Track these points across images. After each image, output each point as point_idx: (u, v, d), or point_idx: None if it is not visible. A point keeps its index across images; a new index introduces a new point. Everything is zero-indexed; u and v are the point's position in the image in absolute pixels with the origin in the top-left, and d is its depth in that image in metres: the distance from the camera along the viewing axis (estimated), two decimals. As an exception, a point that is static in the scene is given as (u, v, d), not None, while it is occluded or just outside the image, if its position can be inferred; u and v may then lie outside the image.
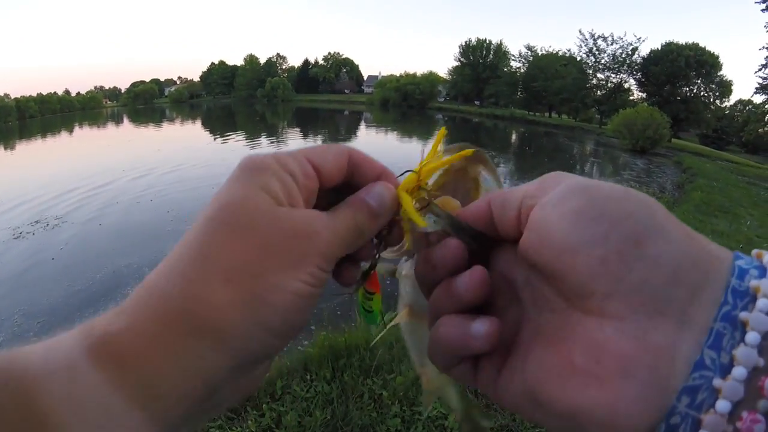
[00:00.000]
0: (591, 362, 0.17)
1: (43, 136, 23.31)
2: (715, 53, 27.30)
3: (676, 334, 0.16)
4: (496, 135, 22.97)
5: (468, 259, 0.22)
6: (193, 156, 11.18)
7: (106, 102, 64.92)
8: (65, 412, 0.16)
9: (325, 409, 1.76)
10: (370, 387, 1.89)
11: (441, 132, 0.27)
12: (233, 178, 0.21)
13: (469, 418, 0.38)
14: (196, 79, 67.98)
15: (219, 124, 25.36)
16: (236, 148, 13.82)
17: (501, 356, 0.21)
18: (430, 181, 0.28)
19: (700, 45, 27.71)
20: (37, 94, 47.56)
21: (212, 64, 61.49)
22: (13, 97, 43.45)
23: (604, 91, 30.68)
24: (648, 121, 16.25)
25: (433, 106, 41.38)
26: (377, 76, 58.18)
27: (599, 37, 30.21)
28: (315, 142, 15.05)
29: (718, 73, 27.56)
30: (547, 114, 35.85)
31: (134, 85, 65.74)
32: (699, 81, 27.77)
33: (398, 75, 43.53)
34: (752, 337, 0.15)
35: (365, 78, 65.70)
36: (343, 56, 62.54)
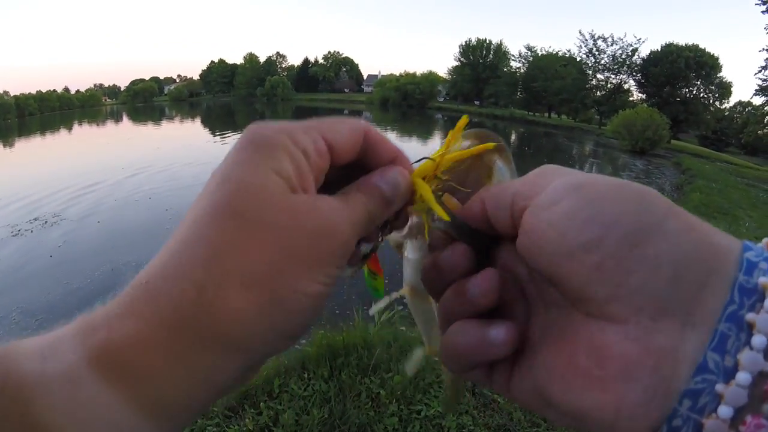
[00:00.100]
0: (594, 365, 0.17)
1: (43, 133, 23.25)
2: (715, 55, 27.48)
3: (680, 336, 0.16)
4: (496, 135, 22.92)
5: (474, 259, 0.22)
6: (191, 154, 11.17)
7: (105, 100, 64.79)
8: (68, 426, 0.15)
9: (323, 407, 1.76)
10: (368, 386, 1.89)
11: (463, 120, 0.25)
12: (239, 155, 0.19)
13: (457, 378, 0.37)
14: (196, 77, 67.95)
15: (218, 123, 25.27)
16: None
17: (513, 356, 0.21)
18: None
19: (700, 46, 27.89)
20: (37, 91, 47.50)
21: (212, 62, 61.55)
22: (12, 95, 43.36)
23: (603, 92, 30.76)
24: (647, 122, 16.31)
25: (432, 105, 41.23)
26: (377, 76, 58.02)
27: (599, 37, 30.34)
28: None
29: (718, 75, 27.68)
30: (546, 114, 35.88)
31: (134, 83, 65.46)
32: (699, 82, 27.89)
33: (398, 74, 43.42)
34: (758, 340, 0.15)
35: (365, 77, 65.41)
36: (343, 55, 62.42)
